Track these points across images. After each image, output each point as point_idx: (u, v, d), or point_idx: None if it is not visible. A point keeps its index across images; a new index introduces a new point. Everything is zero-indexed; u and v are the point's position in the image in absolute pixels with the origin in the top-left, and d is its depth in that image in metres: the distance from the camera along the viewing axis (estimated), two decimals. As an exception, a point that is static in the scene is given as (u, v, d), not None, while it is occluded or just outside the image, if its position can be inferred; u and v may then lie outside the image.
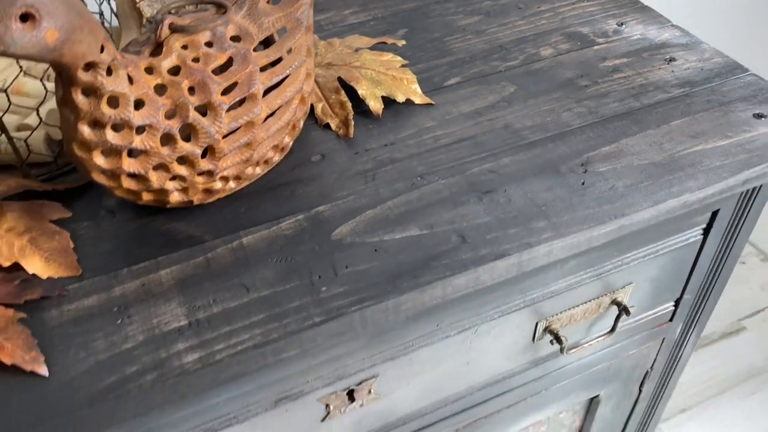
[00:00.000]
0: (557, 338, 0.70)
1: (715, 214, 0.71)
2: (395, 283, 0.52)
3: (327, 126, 0.68)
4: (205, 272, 0.54)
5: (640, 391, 0.94)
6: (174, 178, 0.54)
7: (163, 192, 0.55)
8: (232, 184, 0.59)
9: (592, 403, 0.92)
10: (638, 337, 0.82)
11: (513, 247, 0.55)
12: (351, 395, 0.63)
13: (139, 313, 0.51)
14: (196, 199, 0.57)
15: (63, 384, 0.46)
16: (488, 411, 0.77)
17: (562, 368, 0.79)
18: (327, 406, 0.62)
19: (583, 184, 0.60)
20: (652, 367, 0.90)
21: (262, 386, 0.56)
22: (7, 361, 0.46)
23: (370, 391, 0.64)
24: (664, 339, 0.86)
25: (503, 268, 0.55)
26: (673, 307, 0.81)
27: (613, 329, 0.73)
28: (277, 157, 0.62)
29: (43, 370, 0.46)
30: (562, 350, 0.71)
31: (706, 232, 0.72)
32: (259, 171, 0.61)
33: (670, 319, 0.83)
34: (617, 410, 0.95)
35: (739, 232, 0.74)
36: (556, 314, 0.70)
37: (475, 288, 0.55)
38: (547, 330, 0.70)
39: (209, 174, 0.55)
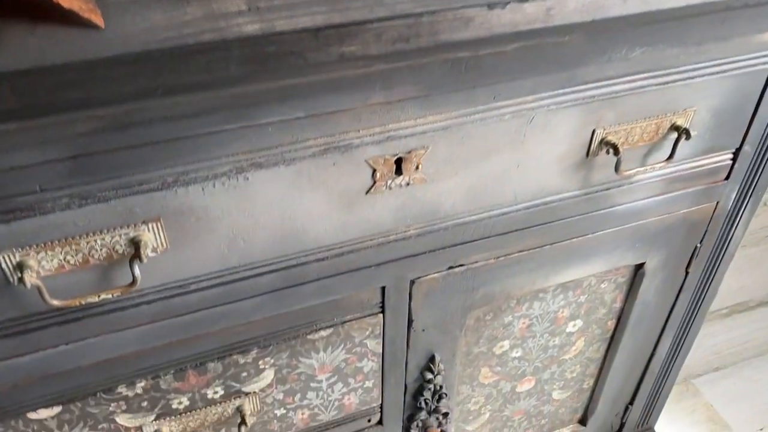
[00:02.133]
0: (614, 148, 0.67)
1: (786, 38, 0.68)
2: (464, -3, 0.50)
3: None
4: (266, -17, 0.52)
5: (687, 273, 0.90)
6: None
7: None
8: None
9: (636, 277, 0.88)
10: (693, 191, 0.79)
11: (585, -14, 0.53)
12: (399, 165, 0.60)
13: (198, 1, 0.49)
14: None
15: (119, 35, 0.45)
16: (530, 243, 0.74)
17: (613, 209, 0.75)
18: (374, 172, 0.60)
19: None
20: (701, 242, 0.86)
21: (314, 117, 0.54)
22: (66, 5, 0.44)
23: (417, 167, 0.61)
24: (717, 203, 0.82)
25: (574, 6, 0.53)
26: (731, 161, 0.78)
27: (671, 155, 0.70)
28: None
29: (99, 20, 0.45)
30: (617, 168, 0.68)
31: (775, 61, 0.69)
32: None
33: (727, 177, 0.79)
34: (661, 295, 0.91)
35: (808, 69, 0.71)
36: (614, 126, 0.67)
37: (545, 25, 0.53)
38: (604, 142, 0.67)
39: None
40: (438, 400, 0.86)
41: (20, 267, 0.52)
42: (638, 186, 0.75)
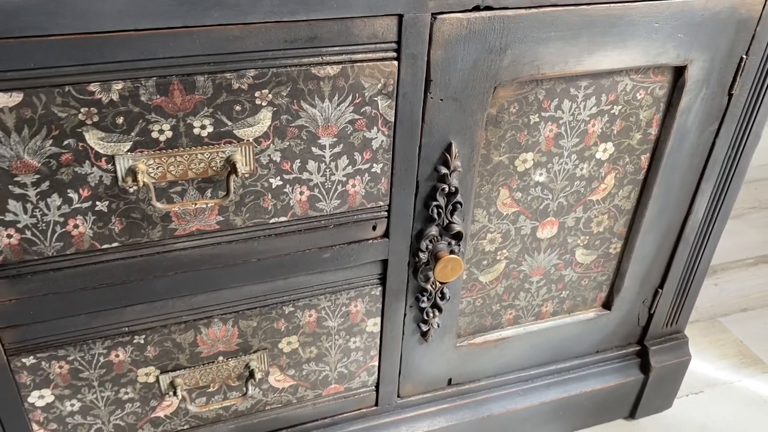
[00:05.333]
0: None
1: None
2: None
3: None
4: None
5: (730, 97, 0.82)
6: None
7: None
8: None
9: (675, 91, 0.79)
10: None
11: None
12: None
13: None
14: None
15: None
16: (567, -4, 0.67)
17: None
18: None
19: None
20: (747, 54, 0.78)
21: None
22: None
23: None
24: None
25: None
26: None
27: None
28: None
29: None
30: None
31: None
32: None
33: (779, -40, 0.73)
34: (701, 124, 0.83)
35: None
36: None
37: None
38: None
39: None
40: (452, 213, 0.77)
41: None
42: (685, -55, 0.68)
